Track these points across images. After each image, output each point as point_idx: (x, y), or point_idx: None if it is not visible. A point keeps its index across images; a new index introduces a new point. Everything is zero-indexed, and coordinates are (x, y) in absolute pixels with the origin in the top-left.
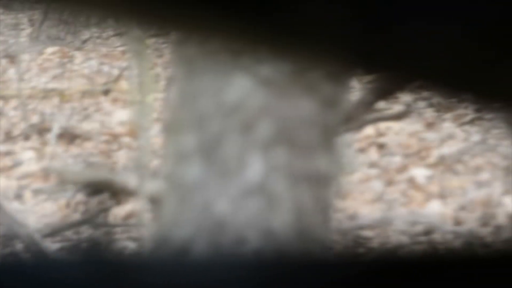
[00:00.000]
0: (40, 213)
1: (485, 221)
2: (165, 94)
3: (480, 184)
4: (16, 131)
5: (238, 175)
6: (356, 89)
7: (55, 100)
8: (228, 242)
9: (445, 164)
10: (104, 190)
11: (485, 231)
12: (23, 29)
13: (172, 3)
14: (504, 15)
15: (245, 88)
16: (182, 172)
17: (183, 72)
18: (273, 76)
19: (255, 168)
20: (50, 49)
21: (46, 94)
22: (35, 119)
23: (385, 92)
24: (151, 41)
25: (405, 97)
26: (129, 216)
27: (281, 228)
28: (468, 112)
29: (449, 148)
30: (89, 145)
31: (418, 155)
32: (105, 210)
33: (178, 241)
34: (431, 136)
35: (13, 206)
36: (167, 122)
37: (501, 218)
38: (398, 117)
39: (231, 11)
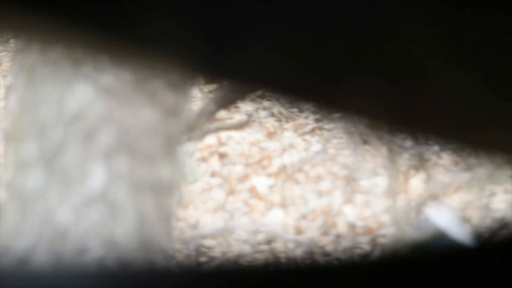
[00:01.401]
0: None
1: (325, 230)
2: (5, 102)
3: (320, 193)
4: None
5: (79, 184)
6: (198, 99)
7: None
8: (70, 251)
9: (286, 173)
10: None
11: (326, 240)
12: None
13: (12, 10)
14: (341, 25)
15: (86, 96)
16: (23, 181)
17: (23, 80)
18: (114, 85)
19: (97, 177)
20: None
21: None
22: None
23: (227, 101)
24: None
25: (246, 107)
26: None
27: (123, 237)
28: (308, 122)
29: (290, 158)
30: None
31: (259, 164)
32: None
33: (19, 250)
34: (272, 145)
35: None
36: (7, 131)
37: (341, 227)
38: (239, 126)
39: (72, 19)
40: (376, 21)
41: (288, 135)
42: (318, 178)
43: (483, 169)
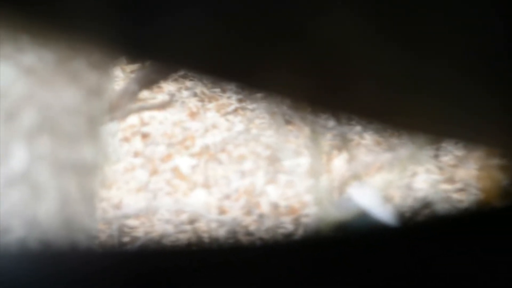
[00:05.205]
0: None
1: (248, 210)
2: None
3: (243, 173)
4: None
5: (1, 164)
6: (120, 79)
7: None
8: None
9: (209, 154)
10: None
11: (249, 220)
12: None
13: None
14: (265, 5)
15: (7, 77)
16: None
17: None
18: (36, 65)
19: (19, 157)
20: None
21: None
22: None
23: (149, 81)
24: None
25: (169, 87)
26: None
27: (46, 217)
28: (231, 102)
29: (213, 138)
30: None
31: (182, 144)
32: None
33: None
34: (195, 125)
35: None
36: None
37: (264, 207)
38: (162, 106)
39: None
40: (300, 2)
41: (211, 115)
42: (241, 158)
43: (405, 149)
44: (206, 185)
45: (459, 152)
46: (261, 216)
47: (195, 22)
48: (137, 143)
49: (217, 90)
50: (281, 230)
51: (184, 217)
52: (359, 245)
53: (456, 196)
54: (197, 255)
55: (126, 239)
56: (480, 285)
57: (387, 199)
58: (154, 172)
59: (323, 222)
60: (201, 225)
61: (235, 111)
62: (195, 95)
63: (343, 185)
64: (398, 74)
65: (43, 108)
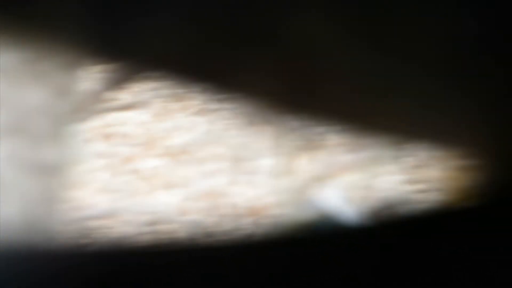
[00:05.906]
0: None
1: (210, 211)
2: None
3: (205, 175)
4: None
5: None
6: (86, 79)
7: None
8: None
9: (171, 155)
10: None
11: (210, 221)
12: None
13: None
14: (234, 9)
15: None
16: None
17: None
18: (2, 65)
19: None
20: None
21: None
22: None
23: (114, 82)
24: None
25: (134, 88)
26: None
27: (6, 218)
28: (196, 102)
29: (176, 139)
30: None
31: (145, 145)
32: None
33: None
34: (158, 126)
35: None
36: None
37: (226, 208)
38: (126, 107)
39: None
40: (270, 6)
41: (175, 116)
42: (204, 159)
43: (368, 150)
44: (168, 187)
45: (423, 153)
46: (223, 218)
47: (161, 23)
48: (100, 144)
49: (182, 91)
50: (243, 232)
51: (145, 218)
52: (323, 246)
53: (419, 196)
54: (158, 256)
55: (87, 240)
56: (445, 283)
57: (350, 200)
58: (116, 173)
59: (286, 224)
60: (162, 227)
61: (199, 112)
62: (160, 96)
63: (307, 186)
64: (366, 76)
65: (8, 108)
